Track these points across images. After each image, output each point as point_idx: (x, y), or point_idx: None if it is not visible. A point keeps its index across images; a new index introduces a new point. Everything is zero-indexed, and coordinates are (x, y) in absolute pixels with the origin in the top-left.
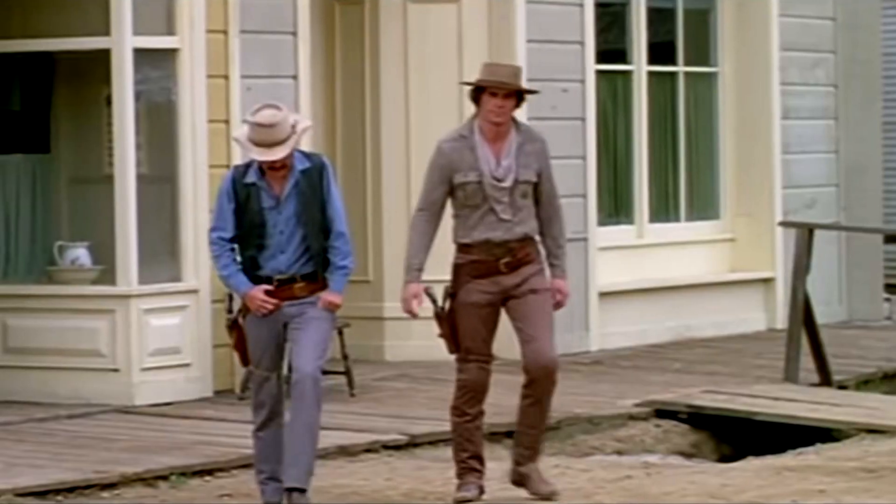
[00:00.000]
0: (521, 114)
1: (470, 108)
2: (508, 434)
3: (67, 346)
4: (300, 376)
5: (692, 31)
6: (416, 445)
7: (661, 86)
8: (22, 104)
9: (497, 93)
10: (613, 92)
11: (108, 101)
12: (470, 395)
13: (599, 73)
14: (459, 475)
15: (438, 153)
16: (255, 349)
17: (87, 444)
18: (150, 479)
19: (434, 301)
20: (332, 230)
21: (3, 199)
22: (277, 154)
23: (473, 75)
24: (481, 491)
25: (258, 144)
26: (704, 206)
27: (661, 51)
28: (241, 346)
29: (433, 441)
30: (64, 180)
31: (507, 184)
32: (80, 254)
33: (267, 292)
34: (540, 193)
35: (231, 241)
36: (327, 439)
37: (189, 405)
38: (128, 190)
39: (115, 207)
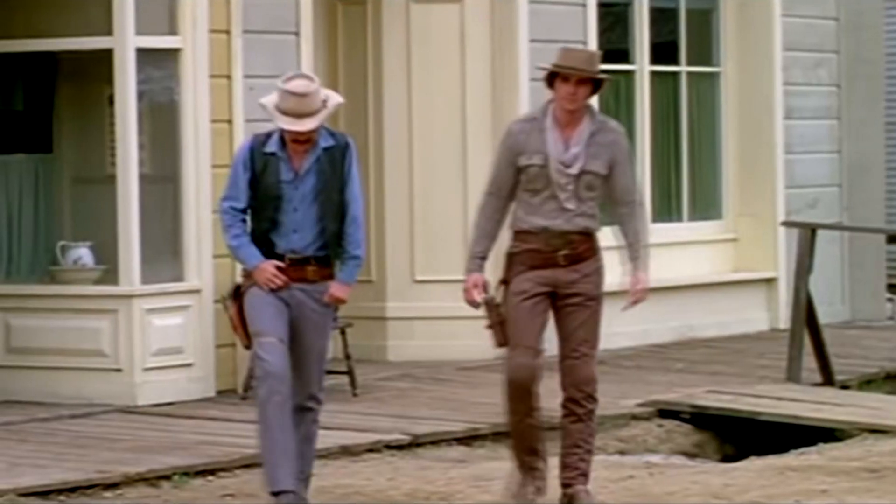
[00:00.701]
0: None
1: (473, 109)
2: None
3: (70, 346)
4: (305, 407)
5: (695, 31)
6: (418, 445)
7: (664, 86)
8: (24, 104)
9: (570, 78)
10: (616, 92)
11: (111, 101)
12: (518, 392)
13: (603, 72)
14: (520, 476)
15: (507, 134)
16: (255, 317)
17: (90, 444)
18: (152, 479)
19: (485, 290)
20: (347, 214)
21: (5, 198)
22: (306, 125)
23: (476, 75)
24: (539, 491)
25: (286, 114)
26: (707, 206)
27: (663, 51)
28: (240, 320)
29: (436, 441)
30: (66, 180)
31: (574, 171)
32: (82, 253)
33: (278, 268)
34: (614, 188)
35: (243, 212)
36: (329, 439)
37: (192, 405)
38: (130, 190)
39: (117, 207)
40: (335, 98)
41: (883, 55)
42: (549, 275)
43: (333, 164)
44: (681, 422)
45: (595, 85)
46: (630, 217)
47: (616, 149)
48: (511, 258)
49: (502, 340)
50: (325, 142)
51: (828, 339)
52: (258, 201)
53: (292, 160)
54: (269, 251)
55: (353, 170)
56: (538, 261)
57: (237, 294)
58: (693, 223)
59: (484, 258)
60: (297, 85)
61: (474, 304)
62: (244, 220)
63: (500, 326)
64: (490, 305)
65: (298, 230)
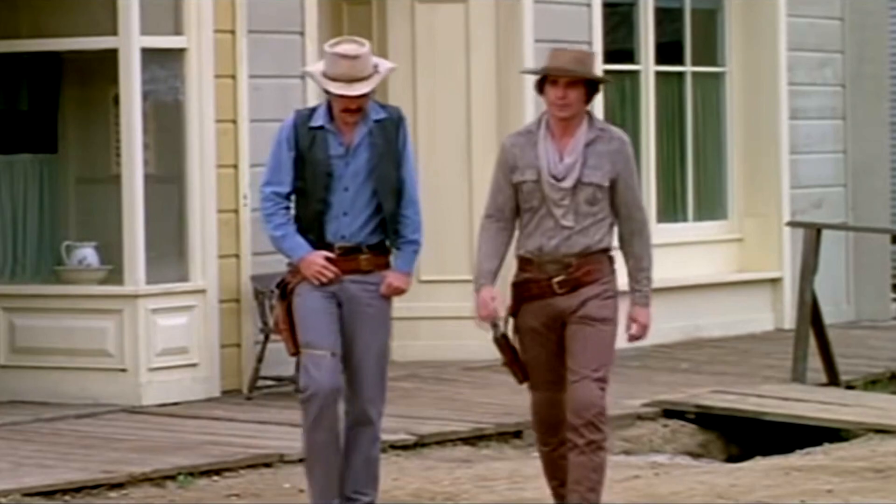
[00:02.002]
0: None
1: (477, 109)
2: (516, 434)
3: (75, 346)
4: (364, 418)
5: (700, 31)
6: (423, 445)
7: (669, 86)
8: (30, 104)
9: (558, 82)
10: (621, 92)
11: (116, 101)
12: (544, 428)
13: (607, 73)
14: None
15: (501, 150)
16: (306, 324)
17: (95, 444)
18: (157, 479)
19: (495, 326)
20: (404, 195)
21: (10, 198)
22: (359, 89)
23: (481, 75)
24: None
25: (336, 80)
26: (712, 207)
27: (668, 51)
28: (288, 324)
29: (441, 441)
30: (71, 180)
31: (567, 184)
32: (87, 253)
33: (328, 259)
34: (618, 203)
35: (287, 197)
36: None
37: (197, 405)
38: (135, 190)
39: (122, 207)
40: (386, 63)
41: (887, 55)
42: (548, 305)
43: (387, 137)
44: (686, 422)
45: (590, 88)
46: (630, 238)
47: (619, 158)
48: (514, 288)
49: (522, 378)
50: (376, 114)
51: (833, 339)
52: (306, 181)
53: (342, 133)
54: (317, 240)
55: (408, 146)
56: (535, 290)
57: (284, 293)
58: (698, 223)
59: (493, 273)
60: (348, 48)
61: (490, 320)
62: (287, 208)
63: (517, 364)
64: (501, 342)
65: (349, 212)
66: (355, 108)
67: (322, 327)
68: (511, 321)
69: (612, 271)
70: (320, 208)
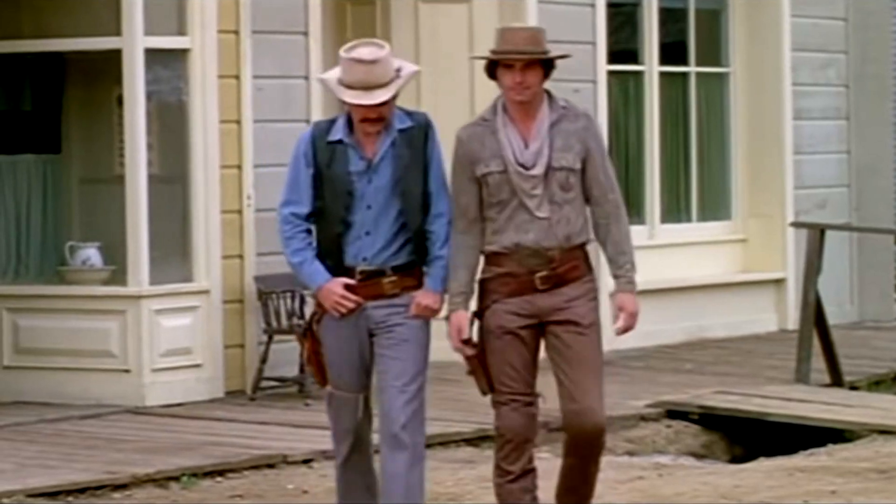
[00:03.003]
0: None
1: (481, 108)
2: None
3: (78, 347)
4: (395, 430)
5: (704, 32)
6: (427, 446)
7: (673, 86)
8: (33, 104)
9: (513, 65)
10: (625, 92)
11: (120, 102)
12: (509, 448)
13: (611, 73)
14: None
15: (457, 144)
16: (333, 363)
17: (99, 445)
18: (161, 480)
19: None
20: (432, 209)
21: (14, 199)
22: (377, 97)
23: (484, 75)
24: None
25: (353, 87)
26: (716, 207)
27: (672, 51)
28: (315, 359)
29: (444, 442)
30: (75, 180)
31: (537, 171)
32: (90, 254)
33: (347, 287)
34: (590, 186)
35: (307, 218)
36: None
37: (200, 406)
38: (139, 190)
39: (126, 208)
40: (409, 66)
41: (891, 55)
42: (527, 302)
43: (413, 148)
44: (689, 422)
45: (546, 67)
46: (607, 222)
47: (587, 136)
48: (483, 285)
49: (486, 387)
50: (400, 123)
51: (837, 339)
52: (325, 201)
53: (363, 146)
54: (335, 266)
55: (436, 154)
56: (513, 286)
57: (310, 325)
58: (702, 224)
59: (464, 293)
60: (364, 52)
61: (462, 351)
62: (308, 231)
63: (482, 370)
64: (467, 348)
65: (371, 231)
66: (375, 117)
67: (346, 368)
68: (477, 323)
69: (592, 268)
70: (340, 230)
